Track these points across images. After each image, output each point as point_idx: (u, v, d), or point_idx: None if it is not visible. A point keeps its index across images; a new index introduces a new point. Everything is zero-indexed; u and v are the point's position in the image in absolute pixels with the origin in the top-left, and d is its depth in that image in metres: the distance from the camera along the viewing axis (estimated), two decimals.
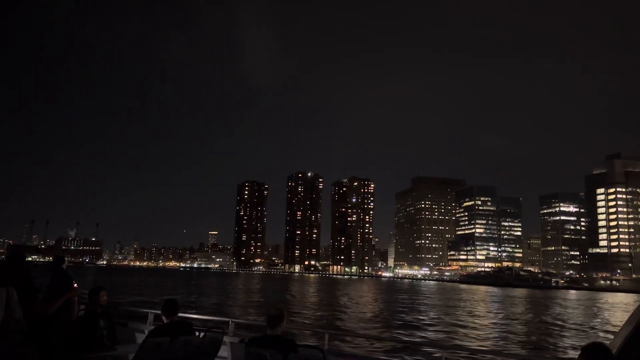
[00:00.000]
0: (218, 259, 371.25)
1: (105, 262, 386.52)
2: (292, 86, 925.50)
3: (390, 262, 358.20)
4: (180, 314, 5.34)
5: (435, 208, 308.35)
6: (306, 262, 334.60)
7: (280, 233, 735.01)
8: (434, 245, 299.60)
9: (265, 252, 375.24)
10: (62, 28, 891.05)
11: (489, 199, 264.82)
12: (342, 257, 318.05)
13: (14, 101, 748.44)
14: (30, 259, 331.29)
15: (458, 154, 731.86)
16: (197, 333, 5.07)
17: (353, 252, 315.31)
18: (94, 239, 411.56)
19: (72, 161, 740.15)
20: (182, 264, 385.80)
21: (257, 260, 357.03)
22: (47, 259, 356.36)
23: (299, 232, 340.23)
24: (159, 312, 6.05)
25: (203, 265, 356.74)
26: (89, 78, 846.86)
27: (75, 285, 6.42)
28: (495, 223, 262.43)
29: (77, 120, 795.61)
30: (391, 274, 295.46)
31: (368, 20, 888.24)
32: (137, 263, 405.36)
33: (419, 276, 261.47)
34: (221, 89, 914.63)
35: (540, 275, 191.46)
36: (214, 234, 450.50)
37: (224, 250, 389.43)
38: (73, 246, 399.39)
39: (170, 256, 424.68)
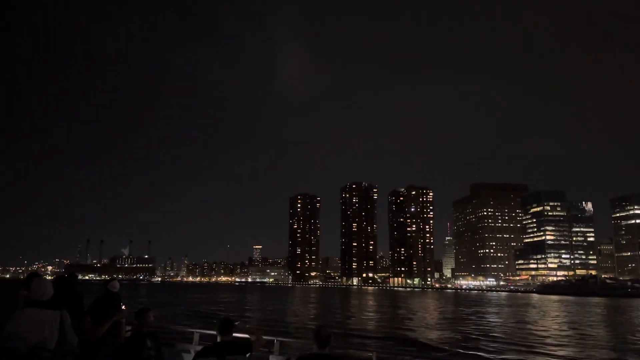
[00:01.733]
0: (272, 273, 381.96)
1: (159, 279, 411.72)
2: (333, 98, 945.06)
3: (447, 273, 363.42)
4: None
5: (498, 215, 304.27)
6: (364, 275, 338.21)
7: (332, 245, 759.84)
8: (498, 255, 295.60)
9: (320, 265, 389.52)
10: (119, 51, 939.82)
11: (558, 203, 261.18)
12: (403, 269, 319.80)
13: (71, 131, 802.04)
14: (87, 277, 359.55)
15: (513, 158, 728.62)
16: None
17: (414, 263, 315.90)
18: (146, 256, 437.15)
19: (125, 182, 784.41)
20: (237, 279, 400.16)
21: (313, 274, 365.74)
22: (102, 277, 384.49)
23: (355, 244, 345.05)
24: (204, 331, 7.63)
25: (258, 280, 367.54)
26: (136, 101, 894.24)
27: (123, 307, 6.91)
28: (565, 229, 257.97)
29: (131, 145, 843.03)
30: (448, 285, 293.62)
31: (404, 28, 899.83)
32: (190, 279, 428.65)
33: (485, 287, 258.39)
34: (262, 104, 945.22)
35: (629, 283, 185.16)
36: (259, 248, 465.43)
37: (275, 264, 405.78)
38: (127, 264, 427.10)
39: (222, 271, 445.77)
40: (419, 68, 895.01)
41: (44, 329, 4.73)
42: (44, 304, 4.92)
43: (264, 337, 6.53)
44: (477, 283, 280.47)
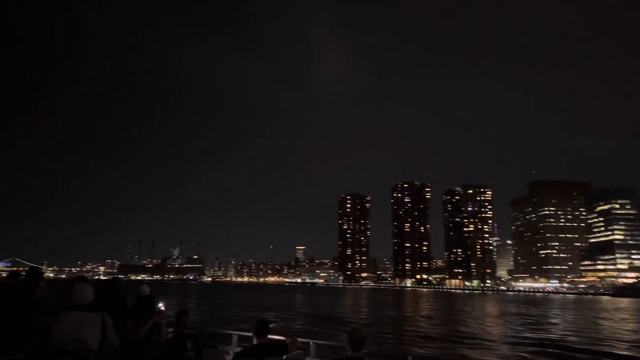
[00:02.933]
0: (322, 274, 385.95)
1: (210, 279, 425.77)
2: (378, 97, 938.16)
3: (501, 274, 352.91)
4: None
5: (560, 214, 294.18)
6: (417, 276, 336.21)
7: (379, 246, 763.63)
8: (562, 255, 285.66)
9: (370, 266, 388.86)
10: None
11: (628, 201, 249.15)
12: (460, 271, 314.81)
13: (123, 138, 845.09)
14: (139, 277, 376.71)
15: (571, 154, 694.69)
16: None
17: (473, 264, 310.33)
18: (195, 256, 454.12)
19: (175, 187, 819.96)
20: (287, 280, 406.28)
21: (364, 275, 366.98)
22: (154, 277, 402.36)
23: (408, 244, 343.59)
24: (242, 332, 7.66)
25: (308, 280, 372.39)
26: (183, 110, 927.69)
27: (162, 307, 7.06)
28: (636, 228, 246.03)
29: (180, 152, 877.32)
30: (505, 287, 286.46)
31: (444, 26, 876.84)
32: (239, 279, 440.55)
33: (550, 289, 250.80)
34: (305, 105, 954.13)
35: None
36: (302, 248, 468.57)
37: (322, 265, 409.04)
38: (177, 264, 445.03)
39: (269, 271, 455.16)
40: (471, 61, 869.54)
41: (87, 331, 5.02)
42: (86, 307, 5.22)
43: (299, 340, 6.57)
44: (538, 285, 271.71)
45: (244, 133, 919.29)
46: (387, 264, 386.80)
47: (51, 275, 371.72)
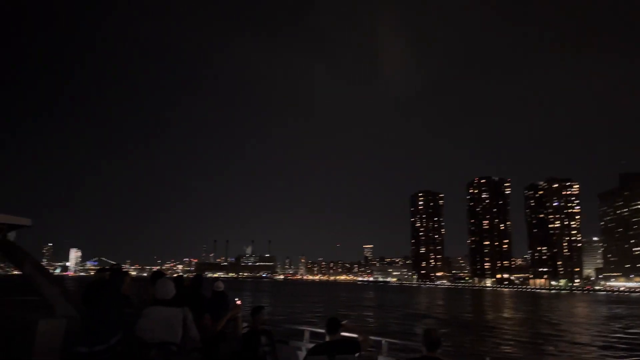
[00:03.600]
0: (395, 273, 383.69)
1: (282, 277, 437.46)
2: (447, 91, 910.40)
3: (587, 273, 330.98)
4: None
5: None
6: (498, 275, 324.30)
7: (456, 244, 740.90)
8: None
9: (444, 265, 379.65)
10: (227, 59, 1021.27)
11: None
12: (546, 269, 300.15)
13: (197, 140, 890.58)
14: (216, 275, 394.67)
15: None
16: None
17: (559, 262, 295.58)
18: (267, 255, 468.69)
19: (248, 185, 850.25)
20: (359, 278, 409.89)
21: (439, 274, 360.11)
22: (229, 275, 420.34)
23: (486, 242, 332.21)
24: (314, 329, 7.89)
25: (380, 279, 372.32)
26: (250, 112, 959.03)
27: (239, 302, 7.45)
28: None
29: (251, 155, 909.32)
30: (595, 286, 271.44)
31: (520, 11, 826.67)
32: (310, 277, 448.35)
33: None
34: (371, 103, 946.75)
35: None
36: (370, 247, 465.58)
37: (393, 264, 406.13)
38: (250, 262, 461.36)
39: (340, 270, 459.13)
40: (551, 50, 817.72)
41: (170, 325, 5.35)
42: (168, 302, 5.52)
43: (372, 338, 6.66)
44: (633, 284, 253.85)
45: (312, 132, 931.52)
46: (462, 263, 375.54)
47: (134, 273, 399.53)
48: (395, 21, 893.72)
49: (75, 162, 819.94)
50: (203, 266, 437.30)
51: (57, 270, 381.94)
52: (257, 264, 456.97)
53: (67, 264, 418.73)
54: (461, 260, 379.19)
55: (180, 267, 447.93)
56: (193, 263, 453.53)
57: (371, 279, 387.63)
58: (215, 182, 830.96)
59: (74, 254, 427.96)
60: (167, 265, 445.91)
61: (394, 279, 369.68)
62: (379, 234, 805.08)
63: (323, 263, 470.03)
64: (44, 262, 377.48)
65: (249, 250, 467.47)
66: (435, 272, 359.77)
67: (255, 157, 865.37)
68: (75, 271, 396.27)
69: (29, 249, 8.65)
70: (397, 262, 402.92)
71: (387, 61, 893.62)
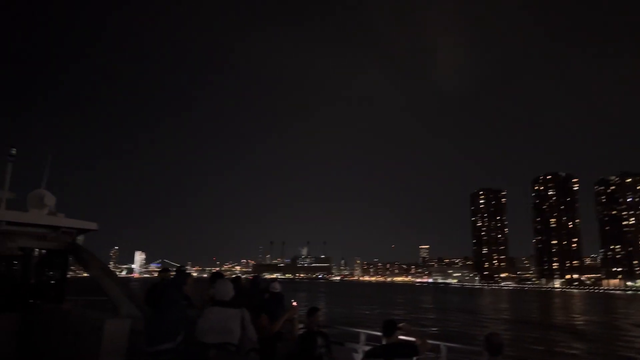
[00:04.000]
0: (455, 274, 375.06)
1: (339, 278, 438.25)
2: (502, 85, 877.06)
3: None
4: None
5: None
6: (567, 276, 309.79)
7: (519, 244, 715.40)
8: None
9: (508, 265, 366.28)
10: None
11: None
12: (620, 269, 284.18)
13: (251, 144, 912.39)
14: (273, 276, 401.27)
15: None
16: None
17: (635, 262, 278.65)
18: (322, 256, 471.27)
19: (302, 186, 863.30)
20: (417, 280, 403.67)
21: (503, 275, 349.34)
22: (286, 275, 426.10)
23: (554, 241, 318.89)
24: (370, 331, 7.72)
25: (440, 280, 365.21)
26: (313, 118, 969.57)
27: (295, 304, 7.60)
28: None
29: (307, 159, 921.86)
30: None
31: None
32: (366, 278, 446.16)
33: None
34: (422, 100, 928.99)
35: None
36: (426, 247, 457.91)
37: (451, 264, 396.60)
38: (306, 263, 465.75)
39: (396, 271, 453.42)
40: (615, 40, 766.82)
41: (229, 326, 5.56)
42: (227, 303, 5.73)
43: (430, 341, 6.51)
44: None
45: (366, 131, 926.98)
46: (526, 263, 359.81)
47: (195, 274, 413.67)
48: (451, 14, 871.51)
49: (140, 171, 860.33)
50: (260, 267, 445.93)
51: (124, 272, 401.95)
52: (313, 265, 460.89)
53: (133, 266, 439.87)
54: (525, 260, 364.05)
55: (238, 268, 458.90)
56: (250, 264, 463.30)
57: (430, 280, 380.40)
58: (270, 184, 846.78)
59: (139, 257, 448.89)
60: (225, 267, 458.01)
61: (455, 280, 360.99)
62: (435, 235, 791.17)
63: (379, 264, 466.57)
64: (111, 264, 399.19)
65: (304, 251, 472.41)
66: (498, 273, 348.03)
67: (310, 160, 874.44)
68: (140, 273, 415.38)
69: (98, 253, 9.24)
70: (457, 263, 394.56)
71: (442, 56, 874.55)
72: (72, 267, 9.83)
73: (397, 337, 5.28)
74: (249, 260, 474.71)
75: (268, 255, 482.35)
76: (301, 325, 7.44)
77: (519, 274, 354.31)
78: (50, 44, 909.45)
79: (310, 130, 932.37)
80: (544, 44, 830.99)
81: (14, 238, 8.24)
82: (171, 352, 5.52)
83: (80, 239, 9.18)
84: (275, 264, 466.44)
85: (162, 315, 5.74)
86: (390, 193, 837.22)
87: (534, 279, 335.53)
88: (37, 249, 9.24)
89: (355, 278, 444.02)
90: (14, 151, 8.39)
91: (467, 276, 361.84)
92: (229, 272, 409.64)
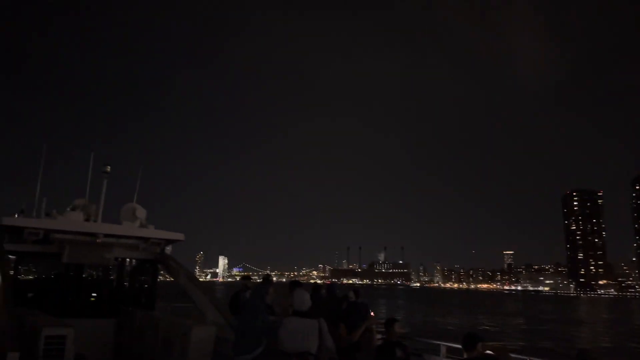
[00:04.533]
0: (547, 281, 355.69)
1: (418, 284, 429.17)
2: (590, 79, 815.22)
3: None
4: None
5: None
6: None
7: (618, 249, 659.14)
8: None
9: (606, 272, 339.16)
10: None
11: None
12: None
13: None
14: (350, 281, 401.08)
15: None
16: None
17: None
18: (400, 261, 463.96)
19: (379, 191, 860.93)
20: (506, 287, 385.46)
21: (602, 282, 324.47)
22: (364, 281, 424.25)
23: None
24: (451, 344, 7.55)
25: (531, 288, 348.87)
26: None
27: (372, 314, 7.65)
28: None
29: (382, 158, 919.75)
30: None
31: None
32: (448, 285, 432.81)
33: None
34: (502, 100, 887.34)
35: None
36: (510, 253, 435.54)
37: (541, 271, 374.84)
38: (384, 269, 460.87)
39: (480, 278, 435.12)
40: None
41: (307, 336, 5.60)
42: (305, 314, 5.81)
43: (515, 356, 6.44)
44: None
45: (446, 132, 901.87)
46: (626, 269, 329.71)
47: (274, 279, 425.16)
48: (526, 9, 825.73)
49: (223, 181, 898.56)
50: (337, 272, 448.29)
51: (208, 277, 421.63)
52: (391, 270, 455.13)
53: (217, 270, 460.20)
54: (625, 266, 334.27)
55: (315, 273, 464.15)
56: (327, 269, 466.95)
57: (519, 287, 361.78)
58: (345, 189, 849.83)
59: (222, 261, 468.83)
60: (303, 271, 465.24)
61: (546, 288, 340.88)
62: (520, 240, 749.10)
63: (462, 271, 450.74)
64: (197, 269, 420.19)
65: (381, 256, 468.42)
66: (596, 280, 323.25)
67: (386, 164, 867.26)
68: (223, 277, 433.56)
69: (185, 258, 9.92)
70: (547, 270, 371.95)
71: (523, 52, 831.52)
72: (161, 272, 10.59)
73: (479, 351, 5.13)
74: (326, 265, 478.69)
75: (344, 261, 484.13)
76: (379, 336, 7.44)
77: (620, 280, 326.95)
78: (142, 68, 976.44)
79: (386, 131, 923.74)
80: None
81: (110, 249, 9.02)
82: None
83: (168, 249, 9.90)
84: (352, 270, 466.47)
85: (245, 324, 6.02)
86: (471, 197, 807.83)
87: (637, 286, 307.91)
88: (130, 259, 10.15)
89: (436, 285, 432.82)
90: (108, 168, 9.24)
91: (561, 283, 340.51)
92: (305, 277, 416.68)
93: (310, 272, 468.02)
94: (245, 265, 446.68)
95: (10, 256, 8.72)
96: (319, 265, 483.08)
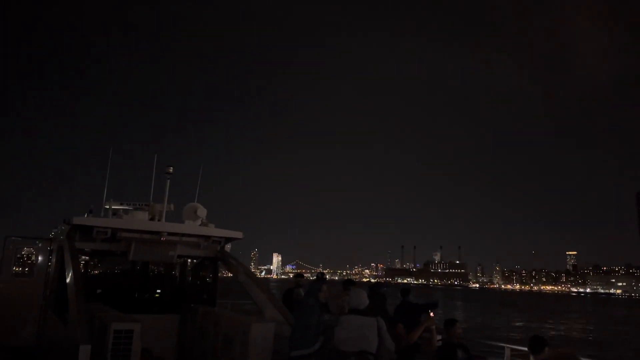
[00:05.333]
0: (619, 283, 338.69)
1: (477, 285, 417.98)
2: None
3: None
4: None
5: None
6: None
7: None
8: None
9: None
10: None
11: None
12: None
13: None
14: (405, 281, 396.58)
15: None
16: None
17: None
18: (457, 261, 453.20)
19: (433, 189, 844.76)
20: (574, 289, 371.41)
21: None
22: (419, 281, 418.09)
23: None
24: (516, 346, 7.44)
25: (602, 290, 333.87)
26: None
27: (432, 314, 7.60)
28: None
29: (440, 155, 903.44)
30: None
31: None
32: (508, 286, 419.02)
33: None
34: (565, 93, 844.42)
35: None
36: (573, 254, 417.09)
37: (610, 272, 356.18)
38: (440, 269, 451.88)
39: (543, 279, 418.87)
40: None
41: (366, 335, 5.61)
42: (362, 312, 5.84)
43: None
44: None
45: (503, 128, 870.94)
46: None
47: (327, 277, 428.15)
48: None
49: (276, 180, 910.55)
50: (391, 272, 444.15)
51: (262, 273, 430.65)
52: (447, 270, 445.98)
53: (270, 267, 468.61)
54: None
55: (367, 272, 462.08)
56: (380, 268, 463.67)
57: (588, 290, 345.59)
58: (397, 188, 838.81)
59: (276, 259, 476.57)
60: (355, 270, 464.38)
61: (618, 291, 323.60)
62: (584, 240, 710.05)
63: (523, 272, 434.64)
64: (252, 265, 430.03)
65: (437, 256, 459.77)
66: None
67: (441, 162, 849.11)
68: (277, 274, 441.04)
69: (241, 254, 10.27)
70: (618, 271, 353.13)
71: (585, 44, 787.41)
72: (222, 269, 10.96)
73: (547, 355, 5.04)
74: (379, 264, 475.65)
75: (397, 260, 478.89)
76: (439, 337, 7.39)
77: None
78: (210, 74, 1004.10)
79: (438, 130, 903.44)
80: None
81: (174, 247, 9.43)
82: (311, 358, 5.78)
83: (228, 246, 10.25)
84: (407, 269, 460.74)
85: (300, 321, 6.12)
86: (532, 194, 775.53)
87: None
88: (191, 257, 10.58)
89: (496, 286, 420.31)
90: (171, 169, 9.67)
91: (635, 285, 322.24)
92: (358, 276, 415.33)
93: (363, 270, 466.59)
94: (298, 263, 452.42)
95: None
96: (372, 264, 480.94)
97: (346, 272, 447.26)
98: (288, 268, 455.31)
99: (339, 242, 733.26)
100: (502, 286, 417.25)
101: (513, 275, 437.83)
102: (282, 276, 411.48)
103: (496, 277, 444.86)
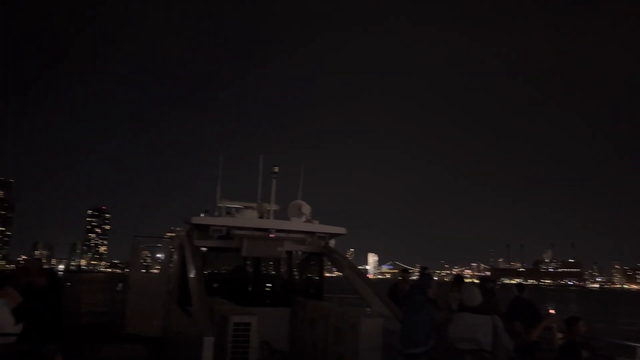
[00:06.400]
0: None
1: (597, 285, 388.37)
2: None
3: None
4: None
5: None
6: None
7: None
8: None
9: None
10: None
11: None
12: None
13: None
14: (513, 281, 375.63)
15: None
16: None
17: None
18: (570, 260, 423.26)
19: (542, 180, 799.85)
20: None
21: None
22: (528, 281, 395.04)
23: None
24: None
25: None
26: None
27: (552, 311, 7.80)
28: None
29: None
30: None
31: None
32: (632, 286, 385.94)
33: None
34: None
35: None
36: None
37: None
38: (551, 268, 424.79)
39: None
40: None
41: (480, 332, 5.56)
42: (476, 309, 5.77)
43: None
44: None
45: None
46: None
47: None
48: None
49: (373, 182, 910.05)
50: (497, 272, 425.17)
51: None
52: (559, 270, 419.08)
53: (367, 267, 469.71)
54: None
55: (467, 272, 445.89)
56: (482, 268, 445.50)
57: None
58: (504, 181, 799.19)
59: (371, 258, 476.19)
60: (455, 270, 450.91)
61: None
62: None
63: None
64: None
65: (548, 255, 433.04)
66: None
67: (545, 155, 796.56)
68: (373, 274, 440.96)
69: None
70: None
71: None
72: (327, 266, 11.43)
73: None
74: (480, 264, 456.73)
75: (500, 260, 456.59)
76: (560, 335, 7.19)
77: None
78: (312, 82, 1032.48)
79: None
80: None
81: (282, 243, 9.99)
82: (425, 355, 5.82)
83: (332, 242, 10.66)
84: (514, 269, 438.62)
85: (410, 318, 6.16)
86: None
87: None
88: (298, 252, 11.15)
89: (618, 285, 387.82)
90: (276, 169, 10.30)
91: None
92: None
93: (463, 270, 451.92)
94: (395, 263, 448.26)
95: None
96: (472, 264, 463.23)
97: (445, 273, 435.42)
98: (384, 268, 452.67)
99: (436, 242, 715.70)
100: (626, 285, 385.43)
101: (636, 275, 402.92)
102: (379, 276, 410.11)
103: (616, 276, 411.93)
